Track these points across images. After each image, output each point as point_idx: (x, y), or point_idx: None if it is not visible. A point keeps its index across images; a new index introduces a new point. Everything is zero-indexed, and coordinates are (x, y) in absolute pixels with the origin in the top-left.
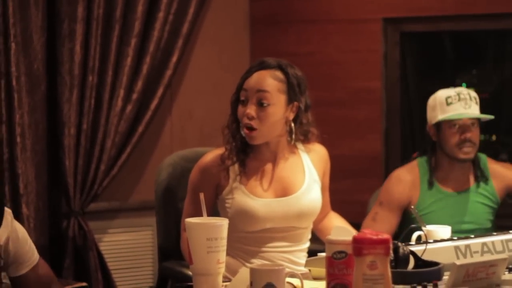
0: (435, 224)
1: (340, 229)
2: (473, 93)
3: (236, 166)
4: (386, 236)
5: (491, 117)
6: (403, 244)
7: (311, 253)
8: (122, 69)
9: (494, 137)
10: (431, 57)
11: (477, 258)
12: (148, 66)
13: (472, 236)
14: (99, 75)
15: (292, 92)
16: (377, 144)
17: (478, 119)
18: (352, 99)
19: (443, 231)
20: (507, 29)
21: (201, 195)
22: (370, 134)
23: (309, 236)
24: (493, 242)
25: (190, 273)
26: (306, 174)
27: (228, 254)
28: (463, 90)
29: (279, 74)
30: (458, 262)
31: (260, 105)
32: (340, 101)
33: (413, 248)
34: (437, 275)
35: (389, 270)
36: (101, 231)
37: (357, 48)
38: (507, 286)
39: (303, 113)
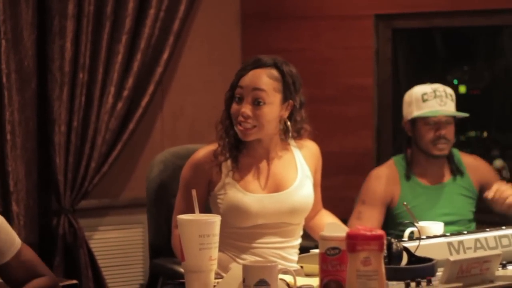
0: (418, 217)
1: (333, 226)
2: (449, 90)
3: (229, 162)
4: (380, 232)
5: (466, 115)
6: (396, 240)
7: (303, 249)
8: (113, 66)
9: (485, 134)
10: (423, 54)
11: (471, 254)
12: (139, 63)
13: (465, 232)
14: (90, 72)
15: (288, 91)
16: (369, 140)
17: (454, 116)
18: (344, 96)
19: (436, 227)
20: (499, 25)
21: (193, 192)
22: (362, 131)
23: (301, 232)
24: (486, 238)
25: (181, 270)
26: (298, 170)
27: (219, 250)
28: (439, 87)
29: (275, 72)
30: (451, 258)
31: (256, 103)
32: (331, 98)
33: (406, 244)
34: (431, 271)
35: (383, 266)
36: (91, 228)
37: (348, 45)
38: (500, 282)
39: (297, 110)
